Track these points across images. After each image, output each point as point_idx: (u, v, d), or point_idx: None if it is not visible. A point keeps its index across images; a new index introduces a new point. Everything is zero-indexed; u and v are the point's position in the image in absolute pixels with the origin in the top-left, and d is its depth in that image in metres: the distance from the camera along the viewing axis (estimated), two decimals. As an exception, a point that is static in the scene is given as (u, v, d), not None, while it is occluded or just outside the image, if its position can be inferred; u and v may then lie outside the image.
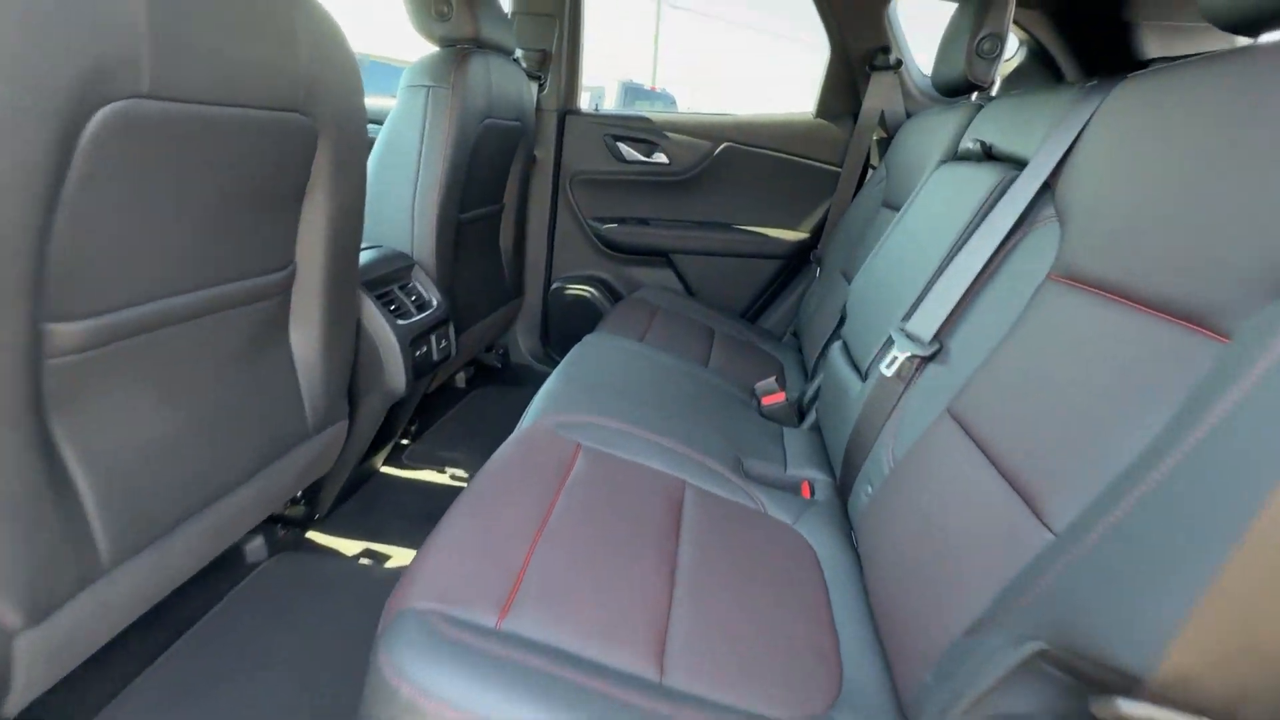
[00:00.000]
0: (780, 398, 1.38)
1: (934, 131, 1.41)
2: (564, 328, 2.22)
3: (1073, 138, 0.80)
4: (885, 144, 1.91)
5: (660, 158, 2.06)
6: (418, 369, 1.29)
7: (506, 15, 1.63)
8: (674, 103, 9.57)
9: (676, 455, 1.07)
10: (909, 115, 1.89)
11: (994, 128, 1.08)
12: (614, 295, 2.20)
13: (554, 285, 2.20)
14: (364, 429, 1.26)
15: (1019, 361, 0.73)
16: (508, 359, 2.24)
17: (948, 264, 0.96)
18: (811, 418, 1.35)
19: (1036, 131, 0.92)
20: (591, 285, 2.18)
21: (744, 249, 2.10)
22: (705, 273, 2.14)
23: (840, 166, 1.99)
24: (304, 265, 0.95)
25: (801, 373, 1.69)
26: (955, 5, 1.83)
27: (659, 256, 2.16)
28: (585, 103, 2.14)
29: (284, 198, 0.86)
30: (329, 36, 0.81)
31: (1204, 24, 1.59)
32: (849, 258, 1.66)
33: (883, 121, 1.90)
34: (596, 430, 1.07)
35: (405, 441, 1.71)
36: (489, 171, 1.66)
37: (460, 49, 1.45)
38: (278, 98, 0.76)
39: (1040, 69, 1.73)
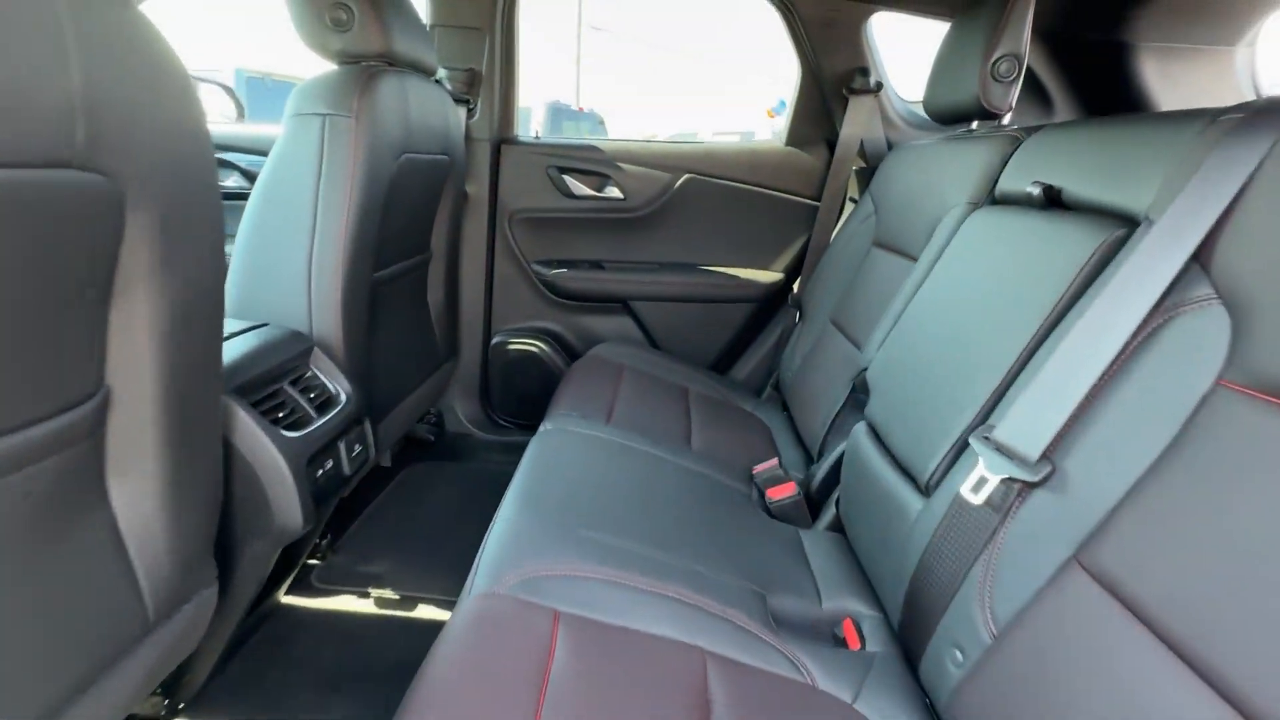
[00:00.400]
0: (790, 490, 1.13)
1: (944, 165, 1.21)
2: (508, 388, 1.91)
3: (1232, 193, 0.58)
4: (865, 174, 1.72)
5: (613, 192, 1.80)
6: (320, 493, 0.95)
7: (425, 27, 1.33)
8: (601, 123, 9.48)
9: (685, 609, 0.80)
10: (890, 144, 1.71)
11: (1062, 168, 0.87)
12: (566, 349, 1.91)
13: (494, 340, 1.89)
14: (245, 585, 0.91)
15: (1195, 504, 0.51)
16: (442, 428, 1.90)
17: (1041, 351, 0.73)
18: (830, 514, 1.11)
19: (1144, 178, 0.72)
20: (539, 338, 1.88)
21: (711, 293, 1.86)
22: (669, 321, 1.89)
23: (816, 199, 1.78)
24: (123, 389, 0.62)
25: (793, 439, 1.45)
26: (932, 23, 1.69)
27: (616, 304, 1.89)
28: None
29: (74, 298, 0.53)
30: (126, 45, 0.49)
31: (1200, 46, 1.50)
32: (841, 305, 1.44)
33: (861, 151, 1.71)
34: (575, 585, 0.78)
35: (313, 561, 1.35)
36: (410, 216, 1.35)
37: (366, 67, 1.14)
38: (33, 148, 0.44)
39: (1028, 95, 1.58)
